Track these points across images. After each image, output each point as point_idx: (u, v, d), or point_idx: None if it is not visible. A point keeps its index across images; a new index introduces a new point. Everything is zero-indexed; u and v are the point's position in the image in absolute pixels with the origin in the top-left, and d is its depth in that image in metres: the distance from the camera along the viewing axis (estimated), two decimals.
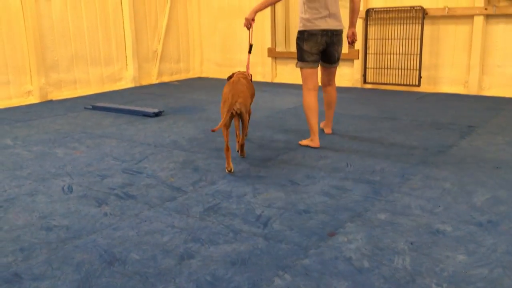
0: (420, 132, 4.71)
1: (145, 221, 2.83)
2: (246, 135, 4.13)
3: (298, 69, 4.31)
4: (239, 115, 3.73)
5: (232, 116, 3.68)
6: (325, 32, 4.14)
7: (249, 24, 4.21)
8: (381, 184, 3.32)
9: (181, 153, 4.20)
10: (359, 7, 4.38)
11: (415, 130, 4.80)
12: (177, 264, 2.32)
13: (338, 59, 4.38)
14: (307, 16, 4.15)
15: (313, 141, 4.29)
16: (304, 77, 4.28)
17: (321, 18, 4.13)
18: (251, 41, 4.32)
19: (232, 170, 3.65)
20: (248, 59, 4.35)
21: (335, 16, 4.18)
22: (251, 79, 4.23)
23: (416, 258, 2.32)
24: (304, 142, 4.38)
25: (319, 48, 4.19)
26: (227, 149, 3.63)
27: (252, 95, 4.13)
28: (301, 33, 4.20)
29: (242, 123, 3.83)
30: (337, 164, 3.81)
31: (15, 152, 4.33)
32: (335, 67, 4.46)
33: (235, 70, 8.50)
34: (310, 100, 4.25)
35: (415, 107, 5.93)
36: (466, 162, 3.78)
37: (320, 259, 2.34)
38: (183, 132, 4.98)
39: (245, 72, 4.24)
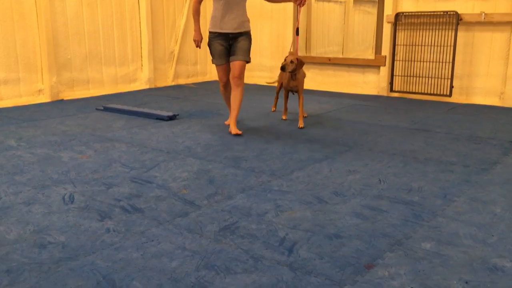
0: (458, 147, 4.29)
1: (152, 240, 2.47)
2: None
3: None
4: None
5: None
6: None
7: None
8: (421, 206, 2.92)
9: (195, 161, 3.84)
10: None
11: (451, 144, 4.38)
12: None
13: None
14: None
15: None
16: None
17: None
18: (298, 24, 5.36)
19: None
20: (297, 40, 5.16)
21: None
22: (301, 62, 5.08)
23: None
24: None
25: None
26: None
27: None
28: None
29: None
30: (368, 180, 3.41)
31: (17, 155, 4.02)
32: None
33: (254, 73, 8.27)
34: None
35: (448, 119, 5.50)
36: None
37: None
38: (198, 137, 4.62)
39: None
